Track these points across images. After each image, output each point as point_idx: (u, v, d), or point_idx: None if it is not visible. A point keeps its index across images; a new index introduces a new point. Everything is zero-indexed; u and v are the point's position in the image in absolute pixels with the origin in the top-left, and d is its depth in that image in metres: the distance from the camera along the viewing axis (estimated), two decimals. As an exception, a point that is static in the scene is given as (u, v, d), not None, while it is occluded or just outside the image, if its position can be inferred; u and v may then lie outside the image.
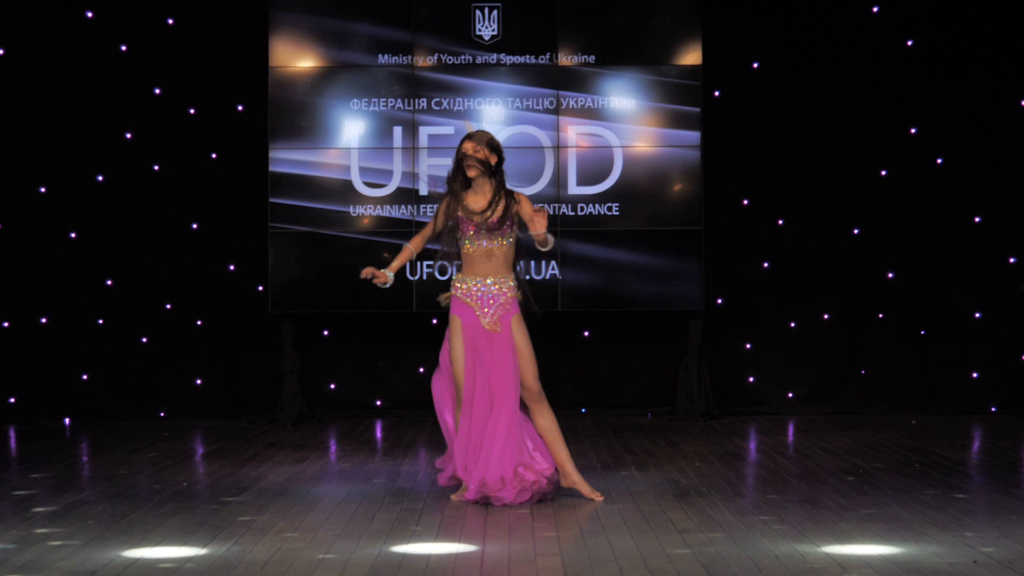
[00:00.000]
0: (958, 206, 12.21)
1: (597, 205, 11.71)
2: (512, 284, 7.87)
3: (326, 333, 12.28)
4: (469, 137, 7.89)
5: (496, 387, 7.74)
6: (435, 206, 11.49)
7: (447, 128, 11.72)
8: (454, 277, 7.96)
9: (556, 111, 11.70)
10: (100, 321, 12.11)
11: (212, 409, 12.14)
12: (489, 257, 7.84)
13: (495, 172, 7.88)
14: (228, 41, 12.10)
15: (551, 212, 11.66)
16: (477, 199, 7.88)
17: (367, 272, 7.93)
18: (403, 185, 11.71)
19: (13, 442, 10.80)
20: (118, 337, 12.11)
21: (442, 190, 8.06)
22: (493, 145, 7.88)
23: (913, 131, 12.18)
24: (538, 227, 7.70)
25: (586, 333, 12.28)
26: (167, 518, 7.27)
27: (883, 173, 12.21)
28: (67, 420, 11.96)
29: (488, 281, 7.84)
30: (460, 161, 7.87)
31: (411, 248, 8.06)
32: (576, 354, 12.27)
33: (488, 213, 7.80)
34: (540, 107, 11.73)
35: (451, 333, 7.90)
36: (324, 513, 7.46)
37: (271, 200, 11.68)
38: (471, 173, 7.84)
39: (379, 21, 11.76)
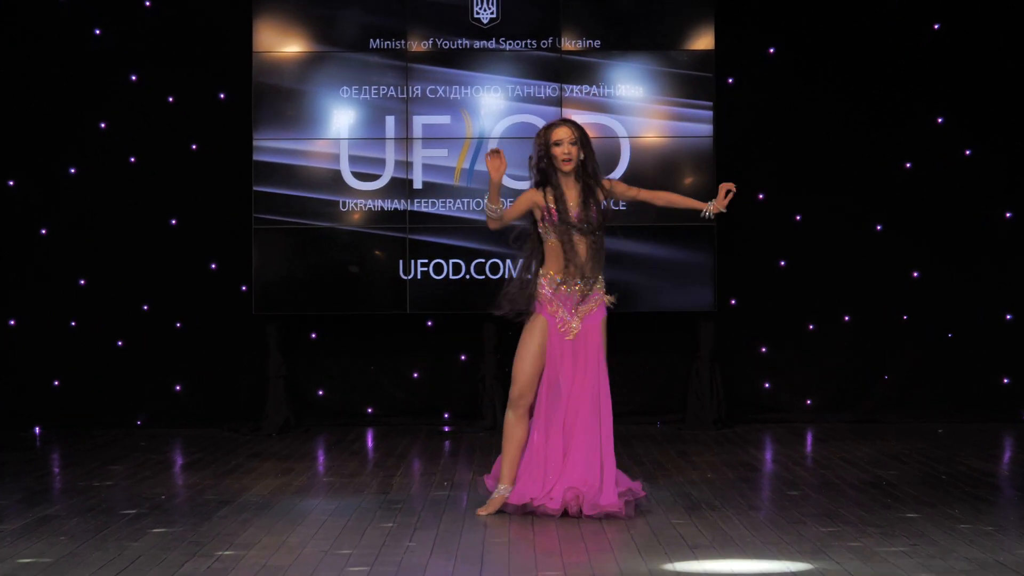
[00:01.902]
0: (988, 201, 12.21)
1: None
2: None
3: (314, 336, 12.27)
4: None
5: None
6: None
7: (443, 118, 11.72)
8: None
9: (559, 99, 11.70)
10: (73, 323, 12.11)
11: (192, 417, 12.13)
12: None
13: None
14: (209, 24, 12.09)
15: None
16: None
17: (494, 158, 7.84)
18: (396, 179, 11.69)
19: (-20, 452, 10.80)
20: (92, 340, 12.10)
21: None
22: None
23: (940, 121, 12.18)
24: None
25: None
26: (144, 533, 7.27)
27: (908, 166, 12.21)
28: (37, 429, 11.95)
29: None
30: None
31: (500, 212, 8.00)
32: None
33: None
34: (542, 95, 11.72)
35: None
36: (311, 528, 7.45)
37: (255, 192, 11.67)
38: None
39: (370, 3, 11.75)
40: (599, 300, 7.93)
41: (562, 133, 7.87)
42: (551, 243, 7.89)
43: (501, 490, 7.85)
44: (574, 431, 7.78)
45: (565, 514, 7.67)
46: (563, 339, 7.86)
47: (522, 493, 7.77)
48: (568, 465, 7.73)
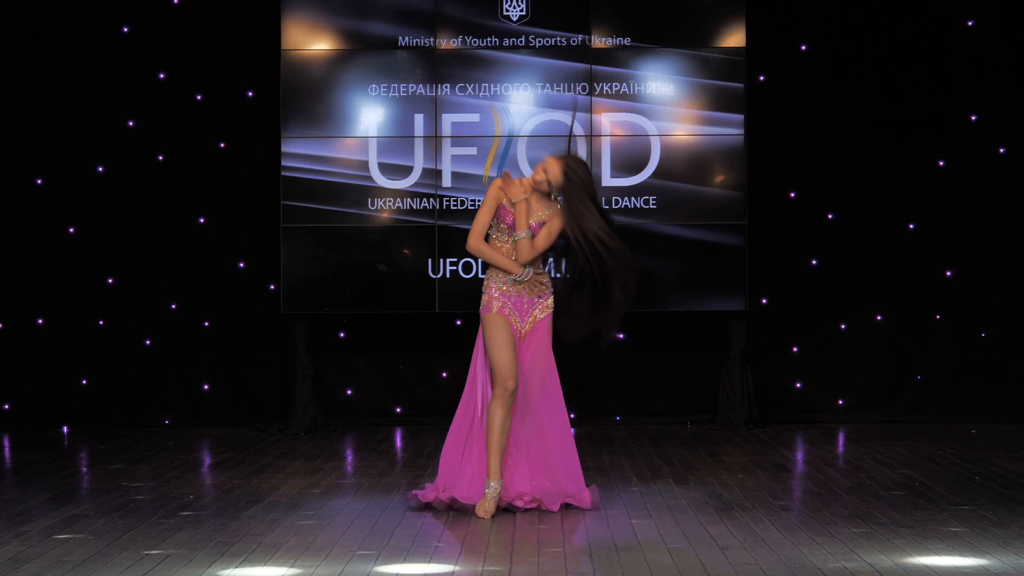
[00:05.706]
0: (1022, 199, 12.16)
1: (633, 198, 11.70)
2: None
3: (342, 335, 12.30)
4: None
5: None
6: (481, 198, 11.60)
7: (472, 115, 11.72)
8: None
9: (589, 97, 11.69)
10: (101, 322, 12.15)
11: (220, 416, 12.17)
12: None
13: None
14: (237, 22, 12.12)
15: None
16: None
17: None
18: (424, 177, 11.70)
19: (8, 451, 10.85)
20: (120, 339, 12.15)
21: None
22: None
23: (974, 118, 12.13)
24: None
25: (620, 336, 12.27)
26: (172, 533, 7.30)
27: (941, 164, 12.17)
28: (65, 428, 12.01)
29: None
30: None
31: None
32: (610, 358, 12.25)
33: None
34: (572, 92, 11.71)
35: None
36: (340, 528, 7.47)
37: (283, 190, 11.70)
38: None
39: (399, 1, 11.76)
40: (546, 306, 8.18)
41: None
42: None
43: (494, 487, 7.88)
44: (541, 426, 8.08)
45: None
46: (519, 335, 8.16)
47: (509, 489, 7.99)
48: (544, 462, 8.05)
